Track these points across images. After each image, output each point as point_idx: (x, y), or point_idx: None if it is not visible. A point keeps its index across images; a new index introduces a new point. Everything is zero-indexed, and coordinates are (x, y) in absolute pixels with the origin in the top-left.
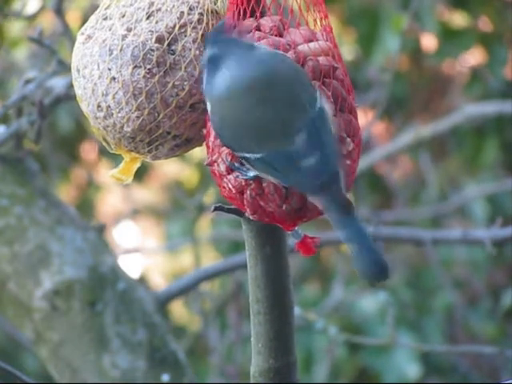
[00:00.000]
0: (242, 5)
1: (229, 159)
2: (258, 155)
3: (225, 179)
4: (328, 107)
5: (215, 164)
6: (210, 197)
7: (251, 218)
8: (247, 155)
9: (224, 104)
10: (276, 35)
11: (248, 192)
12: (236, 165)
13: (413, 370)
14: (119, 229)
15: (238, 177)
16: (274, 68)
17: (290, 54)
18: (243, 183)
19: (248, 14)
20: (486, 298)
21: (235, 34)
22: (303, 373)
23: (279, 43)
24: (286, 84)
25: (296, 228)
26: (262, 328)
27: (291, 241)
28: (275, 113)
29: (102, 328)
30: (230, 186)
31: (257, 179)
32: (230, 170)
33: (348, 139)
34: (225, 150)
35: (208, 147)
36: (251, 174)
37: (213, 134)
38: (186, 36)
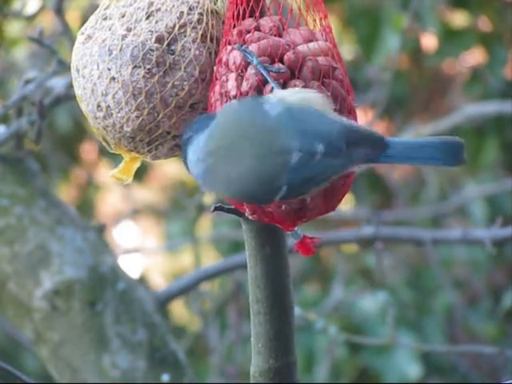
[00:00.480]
0: (242, 5)
1: None
2: (284, 189)
3: None
4: (293, 93)
5: None
6: (209, 197)
7: (250, 218)
8: (280, 195)
9: (219, 181)
10: (275, 35)
11: None
12: None
13: (413, 370)
14: (119, 229)
15: None
16: (222, 124)
17: (289, 55)
18: None
19: (247, 14)
20: (486, 298)
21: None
22: (304, 373)
23: (279, 43)
24: (243, 123)
25: (295, 228)
26: (262, 328)
27: (291, 241)
28: (259, 146)
29: (102, 328)
30: None
31: None
32: None
33: None
34: None
35: None
36: None
37: None
38: (185, 36)
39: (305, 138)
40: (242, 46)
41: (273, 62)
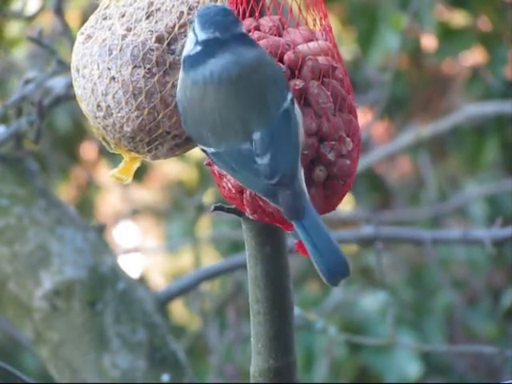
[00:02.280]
0: (242, 5)
1: None
2: (213, 149)
3: (224, 179)
4: (298, 112)
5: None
6: (209, 197)
7: (251, 217)
8: (205, 148)
9: (189, 93)
10: (275, 35)
11: (247, 192)
12: None
13: (413, 369)
14: (119, 229)
15: None
16: (246, 66)
17: (289, 54)
18: None
19: (247, 14)
20: (486, 298)
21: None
22: (303, 372)
23: (278, 43)
24: (254, 83)
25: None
26: (261, 328)
27: (291, 241)
28: (235, 109)
29: (102, 328)
30: (230, 185)
31: None
32: None
33: (347, 139)
34: None
35: None
36: None
37: None
38: (185, 36)
39: (264, 140)
40: None
41: None
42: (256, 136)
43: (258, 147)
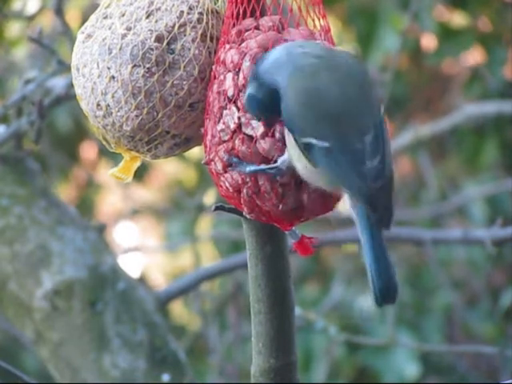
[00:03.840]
0: (242, 4)
1: (226, 155)
2: (326, 144)
3: (222, 178)
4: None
5: (212, 163)
6: (210, 197)
7: (248, 216)
8: (314, 141)
9: (308, 80)
10: None
11: (244, 190)
12: (235, 159)
13: (412, 369)
14: (119, 228)
15: (236, 169)
16: (360, 67)
17: None
18: (240, 181)
19: (248, 14)
20: (485, 298)
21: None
22: (302, 372)
23: (276, 37)
24: (366, 84)
25: (293, 228)
26: (262, 328)
27: (290, 241)
28: (354, 104)
29: (102, 328)
30: (227, 184)
31: (253, 176)
32: (226, 169)
33: None
34: (222, 148)
35: (205, 146)
36: (249, 168)
37: (210, 132)
38: (185, 35)
39: (374, 142)
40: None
41: None
42: (369, 137)
43: (370, 149)
